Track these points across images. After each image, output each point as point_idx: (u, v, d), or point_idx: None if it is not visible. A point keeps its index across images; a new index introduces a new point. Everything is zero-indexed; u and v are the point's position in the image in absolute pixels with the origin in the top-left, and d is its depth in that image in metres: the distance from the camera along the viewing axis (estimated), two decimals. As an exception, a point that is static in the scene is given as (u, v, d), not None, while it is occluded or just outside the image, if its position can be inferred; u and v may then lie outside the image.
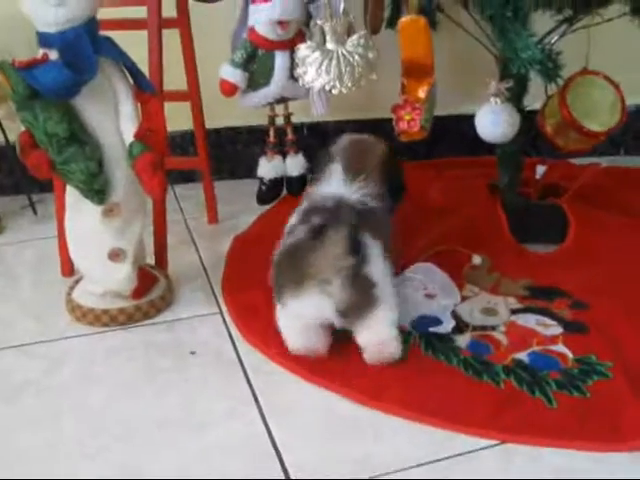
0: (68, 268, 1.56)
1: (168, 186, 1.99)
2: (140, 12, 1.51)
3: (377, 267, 1.18)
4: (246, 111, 1.70)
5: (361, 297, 1.16)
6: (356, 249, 1.13)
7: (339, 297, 1.15)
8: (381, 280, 1.18)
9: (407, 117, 1.36)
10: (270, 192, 1.65)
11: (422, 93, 1.38)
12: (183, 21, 1.62)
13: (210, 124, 1.92)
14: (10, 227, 1.83)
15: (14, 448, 1.11)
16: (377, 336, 1.22)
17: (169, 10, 1.60)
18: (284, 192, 1.73)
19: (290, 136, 1.62)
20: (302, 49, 1.31)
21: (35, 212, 1.89)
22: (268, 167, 1.62)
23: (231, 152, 2.08)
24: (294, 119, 1.72)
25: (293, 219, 1.28)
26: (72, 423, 1.16)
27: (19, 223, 1.85)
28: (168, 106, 1.70)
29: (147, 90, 1.28)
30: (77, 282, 1.47)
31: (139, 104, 1.30)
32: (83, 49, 1.20)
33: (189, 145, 1.98)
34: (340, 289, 1.14)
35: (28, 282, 1.56)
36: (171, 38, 1.63)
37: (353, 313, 1.17)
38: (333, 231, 1.12)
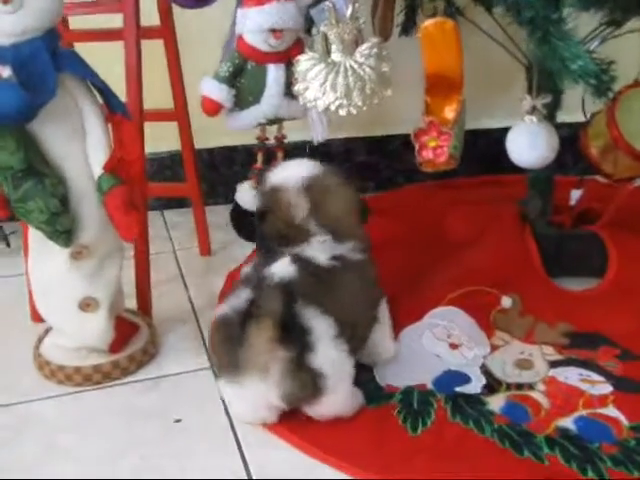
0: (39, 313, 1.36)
1: (157, 212, 1.84)
2: (115, 21, 1.32)
3: (325, 352, 0.99)
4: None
5: (305, 389, 1.00)
6: (292, 338, 0.97)
7: (280, 388, 1.00)
8: (330, 366, 1.00)
9: (432, 144, 1.15)
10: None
11: (450, 113, 1.18)
12: (167, 30, 1.43)
13: (202, 144, 1.75)
14: (-23, 262, 1.65)
15: None
16: (328, 414, 1.06)
17: (151, 18, 1.41)
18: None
19: (280, 161, 1.40)
20: (302, 61, 1.11)
21: (8, 244, 1.70)
22: (248, 196, 1.41)
23: (226, 174, 1.89)
24: (293, 137, 1.53)
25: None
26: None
27: (-12, 257, 1.67)
28: (153, 125, 1.52)
29: (119, 111, 1.09)
30: (47, 332, 1.27)
31: (110, 129, 1.11)
32: (41, 65, 1.01)
33: (178, 167, 1.79)
34: (279, 381, 0.99)
35: (-8, 329, 1.37)
36: (154, 50, 1.44)
37: (299, 401, 1.03)
38: (256, 320, 0.98)
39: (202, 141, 1.74)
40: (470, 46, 1.59)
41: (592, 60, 0.98)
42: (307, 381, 0.99)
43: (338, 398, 1.04)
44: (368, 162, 1.90)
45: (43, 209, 1.05)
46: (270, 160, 1.44)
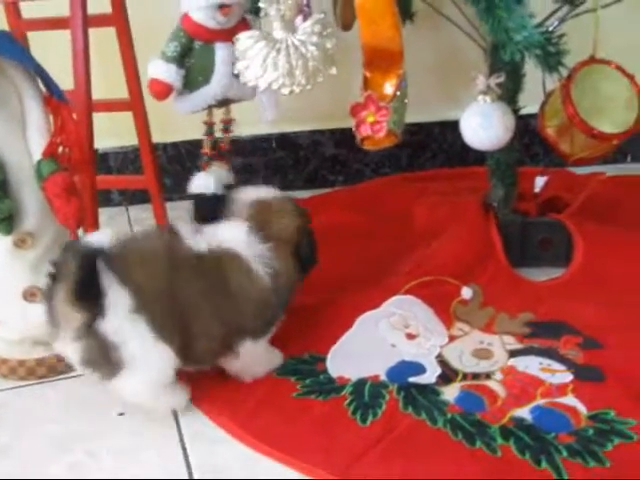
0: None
1: (122, 208, 1.80)
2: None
3: (115, 321, 0.97)
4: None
5: (94, 355, 0.98)
6: (87, 302, 0.96)
7: (75, 351, 0.99)
8: (121, 338, 0.97)
9: (370, 119, 1.11)
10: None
11: (389, 88, 1.13)
12: (119, 17, 1.39)
13: (166, 137, 1.71)
14: None
15: None
16: (129, 394, 1.03)
17: (102, 5, 1.37)
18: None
19: (226, 146, 1.34)
20: (242, 39, 1.06)
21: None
22: (201, 181, 1.34)
23: (191, 168, 1.85)
24: (259, 130, 1.49)
25: None
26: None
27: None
28: (118, 118, 1.49)
29: (56, 96, 1.05)
30: (-6, 325, 1.24)
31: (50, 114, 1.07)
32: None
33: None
34: (73, 344, 0.98)
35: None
36: (108, 38, 1.41)
37: (96, 368, 1.00)
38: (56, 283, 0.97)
39: (165, 135, 1.71)
40: (438, 35, 1.56)
41: (538, 31, 0.94)
42: (94, 347, 0.97)
43: (136, 381, 1.00)
44: (336, 155, 1.86)
45: (-19, 195, 1.01)
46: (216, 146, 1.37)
